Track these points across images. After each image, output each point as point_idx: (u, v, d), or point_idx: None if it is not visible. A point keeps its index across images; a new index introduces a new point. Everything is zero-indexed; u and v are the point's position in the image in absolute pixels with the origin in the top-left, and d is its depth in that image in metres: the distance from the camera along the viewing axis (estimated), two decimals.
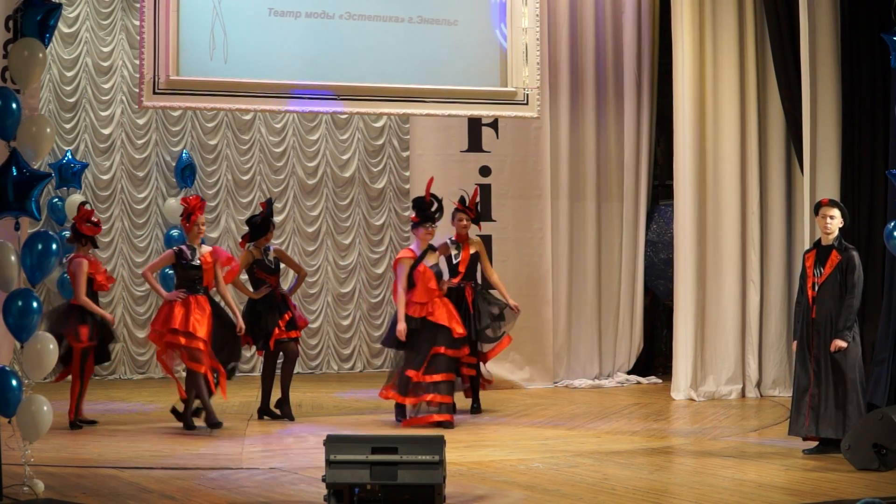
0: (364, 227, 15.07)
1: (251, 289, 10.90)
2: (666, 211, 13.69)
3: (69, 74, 13.86)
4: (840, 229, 8.93)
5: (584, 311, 13.56)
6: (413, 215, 10.63)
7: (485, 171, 13.18)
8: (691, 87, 12.38)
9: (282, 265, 11.18)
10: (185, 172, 14.12)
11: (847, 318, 8.76)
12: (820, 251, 8.98)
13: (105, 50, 13.99)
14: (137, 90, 11.17)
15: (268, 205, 11.12)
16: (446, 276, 11.00)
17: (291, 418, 10.78)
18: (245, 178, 14.58)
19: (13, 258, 7.22)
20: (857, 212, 10.84)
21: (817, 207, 9.07)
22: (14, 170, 7.21)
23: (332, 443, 6.97)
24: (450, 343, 10.37)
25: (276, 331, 10.76)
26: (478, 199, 11.61)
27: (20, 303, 7.21)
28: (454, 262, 11.12)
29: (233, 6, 10.91)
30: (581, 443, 9.73)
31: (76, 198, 13.34)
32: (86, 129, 13.96)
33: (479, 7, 11.71)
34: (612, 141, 13.66)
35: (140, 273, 14.04)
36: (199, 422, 10.20)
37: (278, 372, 11.07)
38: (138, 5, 11.41)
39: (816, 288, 8.90)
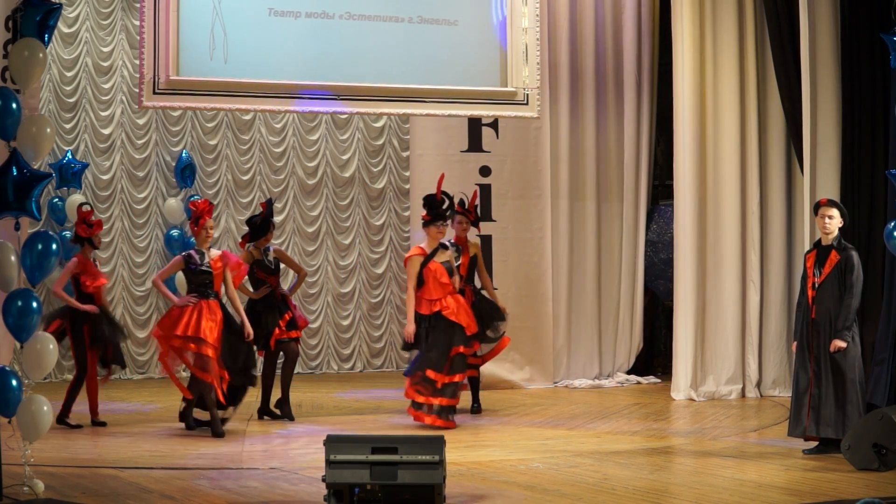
0: (364, 227, 15.07)
1: (251, 289, 10.90)
2: (666, 211, 13.69)
3: (69, 74, 13.86)
4: (840, 229, 8.93)
5: (584, 311, 13.56)
6: (424, 213, 10.52)
7: (485, 171, 13.17)
8: (691, 87, 12.38)
9: (282, 265, 11.18)
10: (185, 172, 14.12)
11: (846, 317, 8.76)
12: (820, 251, 8.98)
13: (105, 50, 13.99)
14: (137, 90, 11.16)
15: (268, 205, 11.12)
16: None
17: (291, 418, 10.78)
18: (245, 178, 14.58)
19: (13, 258, 7.22)
20: (857, 212, 10.83)
21: (816, 207, 9.07)
22: (14, 170, 7.21)
23: (332, 443, 6.97)
24: (466, 341, 10.34)
25: (277, 331, 10.75)
26: (477, 202, 11.60)
27: (20, 303, 7.21)
28: (455, 264, 11.09)
29: (233, 6, 10.91)
30: (581, 443, 9.72)
31: (76, 198, 13.34)
32: (86, 129, 13.96)
33: (479, 7, 11.71)
34: (612, 141, 13.66)
35: (140, 274, 14.14)
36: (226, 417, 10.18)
37: (278, 372, 11.07)
38: (138, 5, 11.41)
39: (816, 288, 8.90)
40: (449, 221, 10.61)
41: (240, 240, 11.41)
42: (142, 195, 14.19)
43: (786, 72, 11.89)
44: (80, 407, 10.54)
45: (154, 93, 10.63)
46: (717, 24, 12.43)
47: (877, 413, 8.48)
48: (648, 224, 13.85)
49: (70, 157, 13.63)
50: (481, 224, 12.17)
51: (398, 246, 15.12)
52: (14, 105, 7.23)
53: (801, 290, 9.13)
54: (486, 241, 12.91)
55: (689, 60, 12.36)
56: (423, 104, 11.55)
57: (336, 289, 14.96)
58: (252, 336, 10.18)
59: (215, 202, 14.30)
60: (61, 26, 13.54)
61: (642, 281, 13.80)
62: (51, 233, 7.57)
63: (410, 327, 10.29)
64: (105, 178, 14.04)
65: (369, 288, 15.09)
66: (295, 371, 11.23)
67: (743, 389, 12.43)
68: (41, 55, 7.41)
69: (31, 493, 7.25)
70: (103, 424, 10.44)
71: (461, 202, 11.24)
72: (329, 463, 6.92)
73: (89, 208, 10.72)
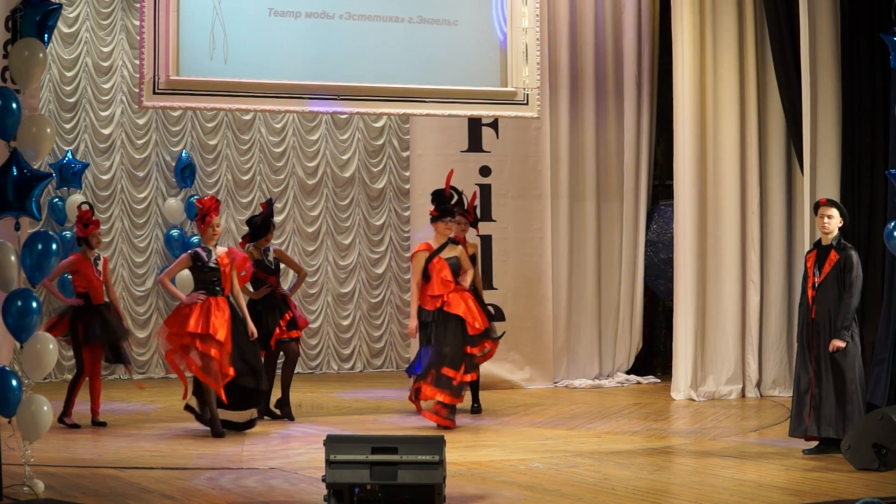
0: (364, 227, 15.08)
1: (251, 289, 10.89)
2: (666, 211, 13.69)
3: (69, 74, 13.86)
4: (840, 229, 8.93)
5: (583, 311, 13.56)
6: (432, 209, 10.47)
7: (485, 171, 13.17)
8: (691, 87, 12.38)
9: (282, 265, 11.18)
10: (184, 172, 14.13)
11: (845, 317, 8.76)
12: (820, 251, 8.98)
13: (105, 50, 13.99)
14: (137, 90, 11.16)
15: (268, 205, 11.12)
16: None
17: (291, 418, 10.78)
18: (245, 178, 14.58)
19: (13, 258, 7.22)
20: (857, 212, 10.83)
21: (816, 207, 9.07)
22: (14, 170, 7.21)
23: (332, 443, 6.97)
24: (474, 340, 10.29)
25: (277, 331, 10.75)
26: (476, 203, 11.60)
27: (20, 303, 7.21)
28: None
29: (233, 6, 10.90)
30: (581, 443, 9.72)
31: (77, 198, 13.34)
32: (86, 129, 13.96)
33: (479, 7, 11.71)
34: (612, 141, 13.66)
35: (140, 274, 14.14)
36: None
37: (278, 372, 11.07)
38: (138, 5, 11.41)
39: (816, 288, 8.90)
40: (457, 218, 10.55)
41: (240, 240, 11.40)
42: (142, 195, 14.19)
43: (786, 72, 11.90)
44: (81, 407, 10.55)
45: (154, 93, 10.62)
46: (717, 24, 12.43)
47: (877, 413, 8.48)
48: (648, 224, 13.85)
49: (70, 157, 13.63)
50: (482, 224, 12.16)
51: (398, 246, 15.13)
52: (14, 105, 7.23)
53: (802, 289, 9.14)
54: (486, 241, 12.92)
55: (689, 60, 12.36)
56: (423, 104, 11.55)
57: (336, 289, 14.96)
58: (256, 335, 10.15)
59: None
60: (61, 26, 13.55)
61: (642, 281, 13.80)
62: (51, 233, 7.56)
63: (413, 323, 10.27)
64: (105, 178, 14.04)
65: (369, 288, 15.09)
66: (295, 371, 11.24)
67: (743, 389, 12.43)
68: (41, 55, 7.41)
69: (31, 493, 7.25)
70: (103, 424, 10.44)
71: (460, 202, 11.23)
72: (329, 463, 6.92)
73: (88, 208, 10.70)
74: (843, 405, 8.77)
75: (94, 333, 10.40)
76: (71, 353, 11.23)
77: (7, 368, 7.24)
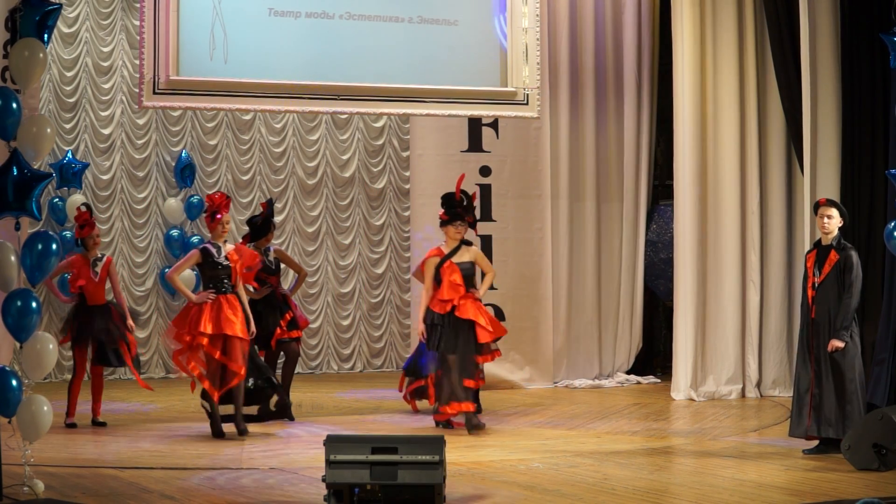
0: (364, 227, 15.07)
1: (252, 289, 10.88)
2: (666, 211, 13.69)
3: (69, 74, 13.86)
4: (840, 229, 8.93)
5: (583, 311, 13.56)
6: (441, 212, 10.34)
7: (485, 171, 13.18)
8: (691, 87, 12.38)
9: (282, 265, 11.18)
10: (184, 172, 14.12)
11: (844, 317, 8.75)
12: (820, 251, 8.98)
13: (105, 50, 13.99)
14: (137, 90, 11.16)
15: (268, 205, 11.12)
16: None
17: (291, 418, 10.78)
18: (245, 178, 14.58)
19: (13, 258, 7.22)
20: (857, 212, 10.84)
21: (816, 207, 9.07)
22: (14, 170, 7.21)
23: (332, 443, 6.97)
24: (482, 349, 10.16)
25: (278, 331, 10.75)
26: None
27: (19, 303, 7.21)
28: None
29: (233, 6, 10.90)
30: (581, 443, 9.72)
31: (77, 198, 13.34)
32: (86, 129, 13.96)
33: (479, 7, 11.71)
34: (612, 141, 13.66)
35: (140, 274, 14.14)
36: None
37: (279, 372, 11.07)
38: (138, 5, 11.41)
39: (816, 288, 8.90)
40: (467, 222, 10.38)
41: (240, 240, 11.40)
42: (142, 195, 14.19)
43: (786, 72, 11.90)
44: (83, 407, 10.55)
45: (154, 93, 10.62)
46: (717, 24, 12.43)
47: (877, 413, 8.48)
48: (648, 224, 13.85)
49: (70, 157, 13.63)
50: (482, 224, 12.16)
51: (398, 246, 15.13)
52: (14, 105, 7.24)
53: (801, 290, 9.13)
54: (486, 241, 12.92)
55: (689, 60, 12.36)
56: (423, 104, 11.54)
57: (336, 289, 14.96)
58: (255, 334, 10.12)
59: None
60: (61, 26, 13.55)
61: (642, 281, 13.80)
62: (51, 233, 7.56)
63: (420, 326, 10.15)
64: (105, 178, 14.04)
65: (369, 288, 15.09)
66: (295, 371, 11.23)
67: (743, 389, 12.43)
68: (41, 55, 7.41)
69: (31, 493, 7.25)
70: (103, 425, 10.44)
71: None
72: (329, 463, 6.92)
73: (86, 209, 10.66)
74: (842, 405, 8.77)
75: (84, 333, 10.39)
76: (70, 353, 11.23)
77: (7, 368, 7.25)
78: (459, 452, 8.80)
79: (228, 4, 10.88)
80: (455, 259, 10.17)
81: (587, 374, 13.53)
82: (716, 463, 8.78)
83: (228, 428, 9.84)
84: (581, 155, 13.54)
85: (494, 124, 13.09)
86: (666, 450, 9.55)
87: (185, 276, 11.87)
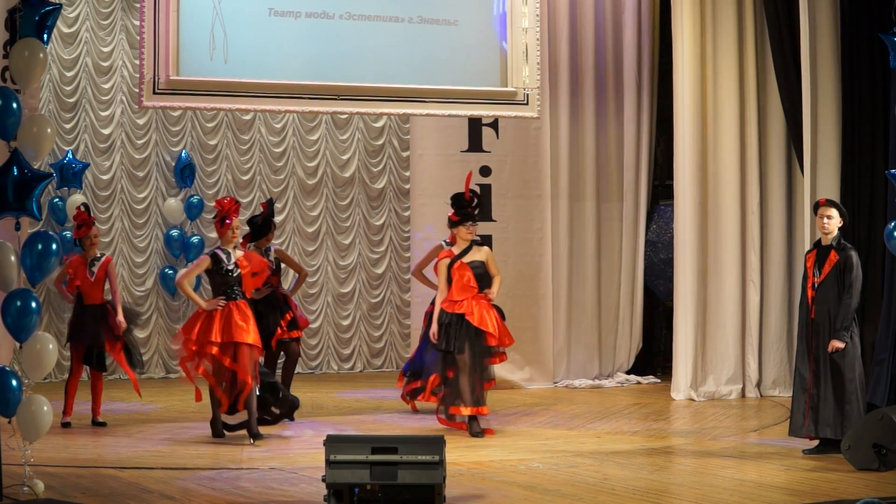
0: (364, 227, 15.07)
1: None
2: (666, 211, 13.69)
3: (69, 74, 13.86)
4: (840, 229, 8.93)
5: (583, 311, 13.56)
6: (451, 213, 10.24)
7: (485, 171, 13.18)
8: (691, 87, 12.38)
9: (282, 265, 11.18)
10: (184, 172, 14.12)
11: (844, 317, 8.75)
12: (819, 251, 8.98)
13: (105, 50, 13.99)
14: (137, 90, 11.16)
15: (269, 205, 11.12)
16: None
17: (291, 418, 10.77)
18: (245, 178, 14.58)
19: (13, 258, 7.22)
20: (857, 212, 10.84)
21: (815, 207, 9.08)
22: (15, 170, 7.22)
23: (332, 443, 6.97)
24: (489, 353, 10.10)
25: (278, 331, 10.75)
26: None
27: (19, 303, 7.21)
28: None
29: (233, 6, 10.90)
30: (581, 443, 9.73)
31: (77, 198, 13.34)
32: (86, 129, 13.95)
33: (479, 7, 11.71)
34: (612, 141, 13.66)
35: (140, 274, 14.14)
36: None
37: (279, 372, 11.06)
38: (138, 5, 11.41)
39: (816, 288, 8.90)
40: (478, 222, 10.28)
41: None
42: (142, 195, 14.19)
43: (786, 72, 11.89)
44: (82, 407, 10.55)
45: (154, 93, 10.62)
46: (717, 24, 12.43)
47: (877, 413, 8.48)
48: (648, 224, 13.85)
49: (70, 157, 13.63)
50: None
51: (398, 246, 15.13)
52: (14, 105, 7.24)
53: (801, 290, 9.14)
54: (487, 241, 12.87)
55: (689, 60, 12.36)
56: (423, 104, 11.54)
57: (336, 289, 14.96)
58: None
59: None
60: (61, 26, 13.54)
61: (642, 281, 13.80)
62: (51, 233, 7.57)
63: (434, 328, 10.03)
64: (105, 178, 14.03)
65: (369, 288, 15.09)
66: (295, 371, 11.23)
67: (743, 389, 12.43)
68: (41, 55, 7.41)
69: (31, 493, 7.25)
70: (103, 425, 10.44)
71: None
72: (329, 463, 6.92)
73: (84, 209, 10.64)
74: (841, 405, 8.77)
75: (78, 332, 10.40)
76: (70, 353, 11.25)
77: (7, 368, 7.25)
78: (459, 452, 8.80)
79: (228, 4, 10.88)
80: (466, 259, 10.08)
81: (587, 374, 13.54)
82: (716, 463, 8.78)
83: (241, 435, 9.81)
84: (581, 155, 13.54)
85: (494, 124, 13.09)
86: (666, 450, 9.55)
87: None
